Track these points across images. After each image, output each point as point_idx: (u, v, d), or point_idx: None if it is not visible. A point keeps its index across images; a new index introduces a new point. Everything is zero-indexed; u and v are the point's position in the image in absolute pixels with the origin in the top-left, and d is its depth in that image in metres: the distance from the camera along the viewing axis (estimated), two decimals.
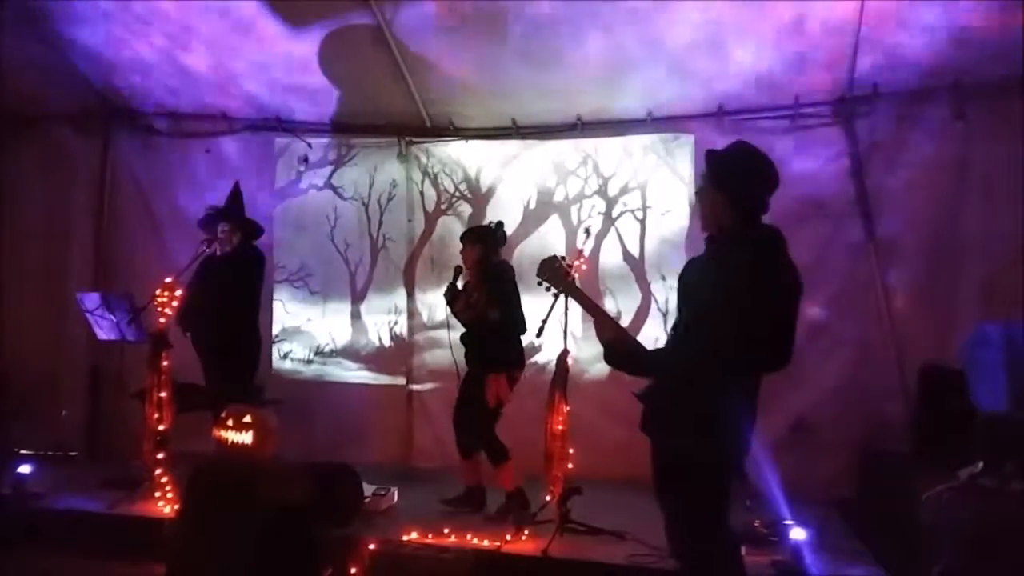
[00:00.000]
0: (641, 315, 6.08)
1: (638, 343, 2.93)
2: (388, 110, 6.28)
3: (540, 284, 3.11)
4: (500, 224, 5.24)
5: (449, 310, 5.22)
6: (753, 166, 2.80)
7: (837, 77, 5.29)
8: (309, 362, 6.75)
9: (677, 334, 2.89)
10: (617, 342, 2.84)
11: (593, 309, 2.98)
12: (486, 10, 5.18)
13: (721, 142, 2.95)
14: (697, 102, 5.72)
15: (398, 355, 6.60)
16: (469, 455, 5.03)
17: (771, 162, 2.81)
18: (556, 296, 3.21)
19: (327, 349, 6.74)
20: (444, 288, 5.23)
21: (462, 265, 5.14)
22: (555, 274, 3.05)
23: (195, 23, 5.65)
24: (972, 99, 5.14)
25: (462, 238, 5.18)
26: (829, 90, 5.43)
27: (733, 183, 2.78)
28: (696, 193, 2.94)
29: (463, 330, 5.10)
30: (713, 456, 2.66)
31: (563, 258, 3.19)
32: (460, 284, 5.16)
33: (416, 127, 6.39)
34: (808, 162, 5.58)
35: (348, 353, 6.69)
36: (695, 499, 2.70)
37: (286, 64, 5.91)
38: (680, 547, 2.84)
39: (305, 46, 5.66)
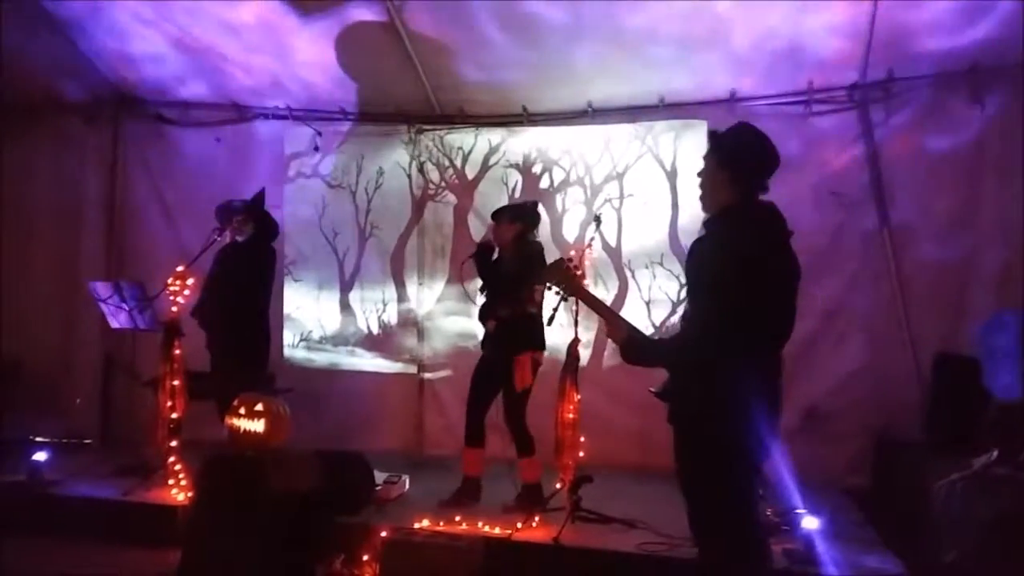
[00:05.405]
0: (617, 304, 6.03)
1: (650, 337, 2.92)
2: (397, 98, 6.26)
3: (549, 288, 3.09)
4: (536, 203, 5.22)
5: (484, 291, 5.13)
6: (756, 146, 2.82)
7: (852, 62, 5.23)
8: (294, 347, 6.75)
9: (683, 319, 2.91)
10: (631, 339, 2.84)
11: (603, 309, 2.97)
12: None
13: None
14: (709, 88, 5.67)
15: (387, 341, 6.61)
16: (478, 443, 4.96)
17: (772, 144, 2.82)
18: (565, 299, 3.17)
19: (316, 336, 6.75)
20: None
21: (491, 242, 5.03)
22: (564, 277, 3.02)
23: (205, 12, 5.63)
24: (989, 85, 5.08)
25: (496, 215, 5.09)
26: (843, 76, 5.37)
27: (735, 161, 2.79)
28: (697, 174, 2.92)
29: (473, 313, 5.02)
30: (732, 442, 2.64)
31: (570, 260, 3.16)
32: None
33: (425, 115, 6.37)
34: (822, 148, 5.54)
35: (337, 340, 6.71)
36: (718, 488, 2.70)
37: (296, 52, 5.89)
38: (702, 538, 2.84)
39: (315, 34, 5.64)
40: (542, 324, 4.77)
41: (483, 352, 5.05)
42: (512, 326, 4.84)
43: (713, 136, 2.91)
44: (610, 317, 2.92)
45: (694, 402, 2.70)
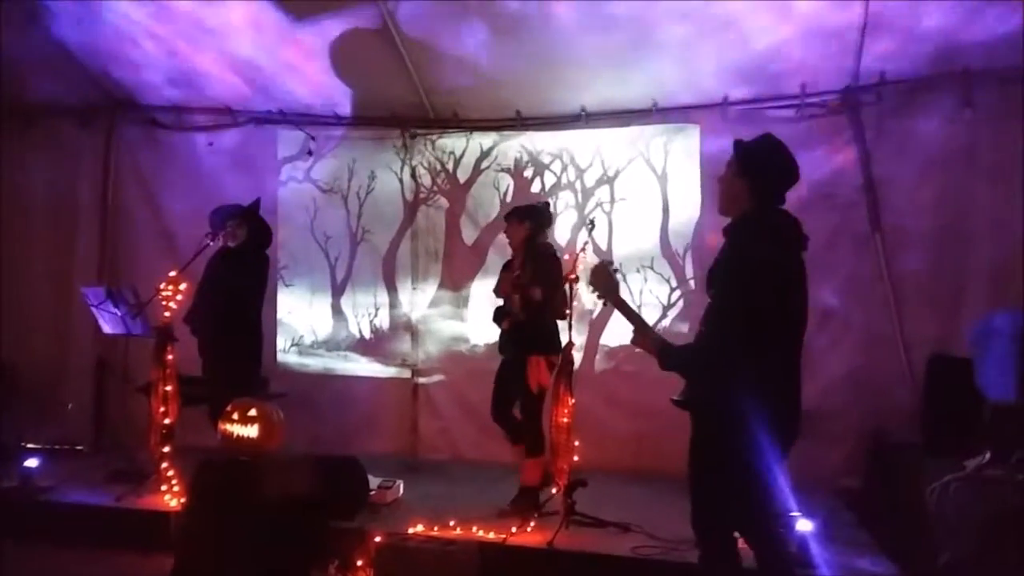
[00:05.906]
0: (609, 307, 6.01)
1: (675, 345, 2.92)
2: (391, 101, 6.26)
3: (592, 292, 3.10)
4: (547, 204, 5.20)
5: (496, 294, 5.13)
6: (776, 158, 2.94)
7: (844, 65, 5.24)
8: (286, 352, 6.73)
9: (703, 323, 2.95)
10: (664, 347, 2.86)
11: (635, 320, 2.97)
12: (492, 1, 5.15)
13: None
14: (702, 92, 5.67)
15: (380, 346, 6.60)
16: (520, 440, 4.90)
17: (793, 158, 2.94)
18: (605, 304, 3.19)
19: (308, 341, 6.73)
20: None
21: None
22: (607, 283, 3.03)
23: (198, 16, 5.62)
24: (980, 87, 5.09)
25: (507, 216, 5.09)
26: (836, 79, 5.38)
27: (755, 171, 2.89)
28: (719, 179, 3.03)
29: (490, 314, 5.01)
30: (747, 442, 2.67)
31: (611, 264, 3.17)
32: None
33: (419, 119, 6.36)
34: (814, 151, 5.52)
35: (330, 345, 6.69)
36: (731, 487, 2.74)
37: (289, 56, 5.89)
38: (705, 538, 2.86)
39: (308, 38, 5.64)
40: (556, 327, 4.80)
41: (501, 355, 5.03)
42: (526, 328, 4.82)
43: (738, 145, 3.00)
44: (640, 326, 2.94)
45: (714, 403, 2.74)
